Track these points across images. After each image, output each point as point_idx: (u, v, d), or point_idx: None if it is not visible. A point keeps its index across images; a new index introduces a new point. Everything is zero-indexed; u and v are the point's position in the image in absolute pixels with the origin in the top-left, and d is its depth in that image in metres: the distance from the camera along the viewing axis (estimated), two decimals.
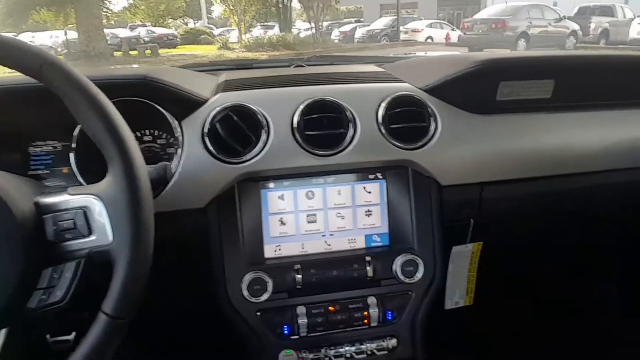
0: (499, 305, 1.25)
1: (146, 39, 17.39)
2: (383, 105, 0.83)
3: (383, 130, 0.82)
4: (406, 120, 0.83)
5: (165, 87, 0.76)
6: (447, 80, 0.86)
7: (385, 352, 0.82)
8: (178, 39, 19.13)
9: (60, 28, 15.79)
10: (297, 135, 0.79)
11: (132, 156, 0.52)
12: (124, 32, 18.89)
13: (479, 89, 0.87)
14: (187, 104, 0.79)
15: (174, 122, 0.78)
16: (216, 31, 22.06)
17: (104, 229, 0.52)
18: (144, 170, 0.53)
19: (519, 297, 1.32)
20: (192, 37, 19.24)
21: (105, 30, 13.99)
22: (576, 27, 12.44)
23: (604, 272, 1.36)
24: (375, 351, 0.81)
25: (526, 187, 0.91)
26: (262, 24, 20.86)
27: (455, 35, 14.34)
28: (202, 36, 19.25)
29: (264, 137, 0.78)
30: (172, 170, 0.75)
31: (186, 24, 25.79)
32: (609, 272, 1.36)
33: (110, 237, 0.52)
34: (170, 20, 23.44)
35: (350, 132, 0.80)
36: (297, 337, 0.80)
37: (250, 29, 20.08)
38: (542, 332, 1.36)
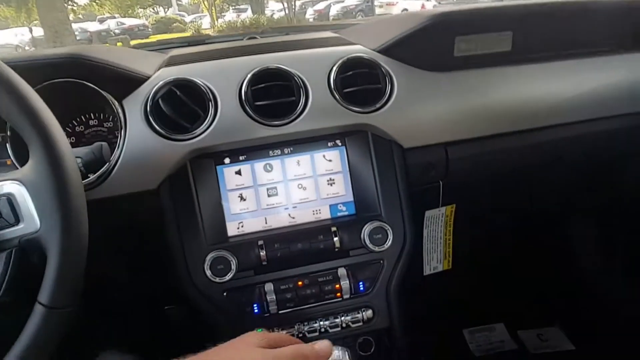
0: (477, 267, 1.25)
1: (117, 31, 16.85)
2: (334, 69, 0.80)
3: (336, 95, 0.79)
4: (360, 83, 0.80)
5: (100, 65, 0.72)
6: (399, 39, 0.83)
7: (360, 323, 0.80)
8: (149, 29, 18.58)
9: (24, 25, 15.22)
10: (247, 107, 0.76)
11: (51, 134, 0.48)
12: (93, 26, 18.33)
13: (434, 45, 0.84)
14: (126, 82, 0.75)
15: (115, 102, 0.73)
16: (188, 18, 21.47)
17: (31, 215, 0.49)
18: (66, 149, 0.50)
19: (495, 256, 1.32)
20: (164, 27, 18.67)
21: (74, 25, 13.49)
22: None
23: (574, 225, 1.37)
24: (350, 324, 0.79)
25: (491, 144, 0.89)
26: (233, 7, 20.34)
27: (430, 5, 14.20)
28: (174, 24, 18.72)
29: (211, 110, 0.75)
30: (118, 152, 0.72)
31: (156, 12, 25.02)
32: (579, 224, 1.37)
33: (38, 224, 0.49)
34: (140, 9, 22.74)
35: (302, 99, 0.77)
36: (267, 314, 0.78)
37: (223, 14, 19.58)
38: (519, 290, 1.37)
